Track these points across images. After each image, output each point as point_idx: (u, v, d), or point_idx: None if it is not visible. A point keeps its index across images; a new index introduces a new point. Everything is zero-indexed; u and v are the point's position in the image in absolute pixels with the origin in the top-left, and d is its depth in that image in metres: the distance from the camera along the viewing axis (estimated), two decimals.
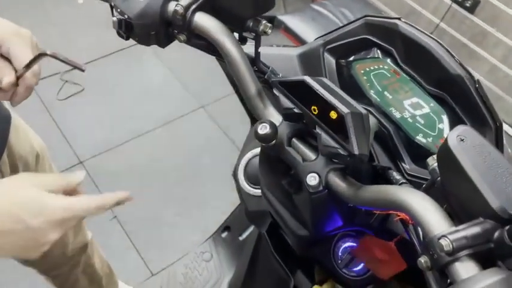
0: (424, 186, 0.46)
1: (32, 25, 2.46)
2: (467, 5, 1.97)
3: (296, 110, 0.51)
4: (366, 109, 0.59)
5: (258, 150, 0.87)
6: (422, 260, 0.38)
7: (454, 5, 2.04)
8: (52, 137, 1.84)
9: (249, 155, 0.86)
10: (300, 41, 1.78)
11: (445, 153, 0.40)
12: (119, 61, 2.14)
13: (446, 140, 0.40)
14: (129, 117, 1.94)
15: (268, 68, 0.62)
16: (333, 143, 0.48)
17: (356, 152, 0.46)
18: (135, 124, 1.91)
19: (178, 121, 1.95)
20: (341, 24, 2.02)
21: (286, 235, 0.71)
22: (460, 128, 0.40)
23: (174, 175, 1.77)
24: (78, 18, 2.31)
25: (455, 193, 0.40)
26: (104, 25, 2.33)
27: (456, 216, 0.41)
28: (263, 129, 0.52)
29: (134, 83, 2.07)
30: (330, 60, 0.66)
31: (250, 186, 0.85)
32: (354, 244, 0.65)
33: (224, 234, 1.21)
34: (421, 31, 0.55)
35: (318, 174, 0.51)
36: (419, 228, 0.46)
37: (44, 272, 1.06)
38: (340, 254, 0.65)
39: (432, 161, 0.43)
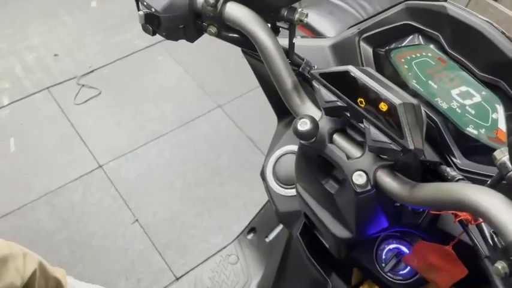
0: (489, 182, 0.41)
1: (45, 31, 2.48)
2: None
3: (339, 103, 0.47)
4: None
5: (287, 148, 0.83)
6: (499, 266, 0.34)
7: None
8: (71, 142, 1.83)
9: (277, 153, 0.83)
10: (318, 35, 1.73)
11: None
12: (134, 63, 2.12)
13: None
14: (146, 119, 1.91)
15: (303, 60, 0.58)
16: (383, 138, 0.44)
17: (411, 146, 0.42)
18: (153, 126, 1.89)
19: (195, 121, 1.92)
20: (359, 16, 1.97)
21: (322, 237, 0.67)
22: None
23: (192, 176, 1.74)
24: (92, 22, 2.30)
25: None
26: (117, 28, 2.33)
27: None
28: (303, 125, 0.48)
29: (150, 85, 2.05)
30: (367, 49, 0.62)
31: (280, 186, 0.81)
32: (399, 246, 0.61)
33: (250, 236, 1.18)
34: (472, 13, 0.51)
35: (365, 172, 0.47)
36: (485, 230, 0.42)
37: None
38: (384, 256, 0.61)
39: (500, 155, 0.39)
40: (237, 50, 0.63)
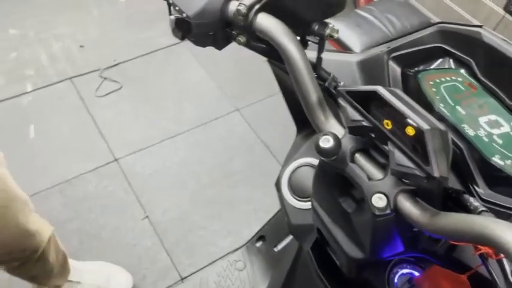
0: None
1: (72, 22, 2.51)
2: None
3: (365, 123, 0.46)
4: None
5: (304, 160, 0.82)
6: None
7: (507, 16, 1.93)
8: (89, 134, 1.85)
9: (294, 164, 0.82)
10: (344, 47, 1.72)
11: None
12: (157, 61, 2.14)
13: None
14: (164, 117, 1.93)
15: (329, 75, 0.57)
16: (407, 163, 0.43)
17: (436, 174, 0.41)
18: (170, 124, 1.90)
19: (212, 123, 1.92)
20: (386, 31, 1.94)
21: (334, 255, 0.66)
22: None
23: (205, 177, 1.74)
24: (119, 17, 2.33)
25: None
26: (143, 24, 2.35)
27: None
28: (325, 142, 0.48)
29: (171, 83, 2.06)
30: (395, 69, 0.61)
31: (294, 198, 0.80)
32: (412, 271, 0.59)
33: (259, 244, 1.17)
34: (508, 41, 0.50)
35: (385, 195, 0.46)
36: (506, 266, 0.40)
37: None
38: (396, 281, 0.60)
39: None
40: (258, 56, 0.63)
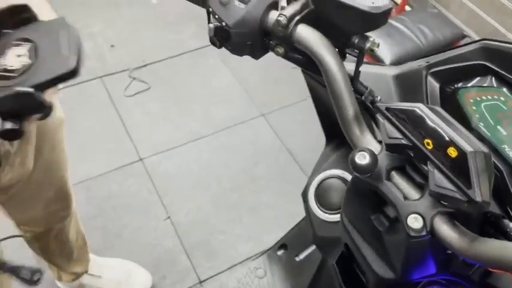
0: None
1: (105, 21, 2.56)
2: None
3: (404, 142, 0.45)
4: None
5: (332, 172, 0.81)
6: None
7: None
8: (116, 132, 1.88)
9: (322, 175, 0.81)
10: (374, 58, 1.70)
11: None
12: (186, 63, 2.16)
13: None
14: (190, 119, 1.94)
15: (366, 89, 0.56)
16: (448, 185, 0.42)
17: (478, 198, 0.39)
18: (196, 126, 1.91)
19: (237, 127, 1.93)
20: (418, 42, 1.90)
21: (361, 272, 0.65)
22: None
23: (228, 181, 1.75)
24: (150, 18, 2.36)
25: None
26: (173, 26, 2.38)
27: None
28: (361, 159, 0.47)
29: (198, 86, 2.08)
30: (434, 84, 0.60)
31: (321, 210, 0.79)
32: None
33: (280, 252, 1.16)
34: None
35: (421, 216, 0.45)
36: None
37: (19, 222, 1.09)
38: None
39: None
40: (287, 62, 0.63)
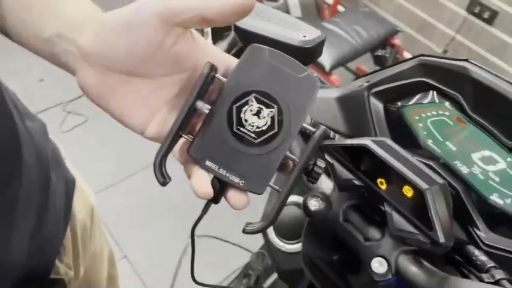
0: None
1: (27, 55, 2.38)
2: (485, 16, 1.88)
3: (356, 182, 0.42)
4: (427, 165, 0.50)
5: (290, 199, 0.78)
6: None
7: (471, 17, 1.96)
8: None
9: None
10: (314, 63, 1.69)
11: None
12: None
13: None
14: (135, 148, 1.85)
15: (319, 128, 0.52)
16: (408, 227, 0.39)
17: (442, 240, 0.37)
18: (142, 155, 1.82)
19: None
20: (354, 42, 1.92)
21: None
22: None
23: (183, 210, 1.67)
24: None
25: None
26: None
27: None
28: (314, 204, 0.43)
29: None
30: (377, 104, 0.57)
31: (281, 241, 0.75)
32: None
33: (245, 281, 1.11)
34: (497, 75, 0.46)
35: (385, 258, 0.42)
36: None
37: None
38: None
39: None
40: None
